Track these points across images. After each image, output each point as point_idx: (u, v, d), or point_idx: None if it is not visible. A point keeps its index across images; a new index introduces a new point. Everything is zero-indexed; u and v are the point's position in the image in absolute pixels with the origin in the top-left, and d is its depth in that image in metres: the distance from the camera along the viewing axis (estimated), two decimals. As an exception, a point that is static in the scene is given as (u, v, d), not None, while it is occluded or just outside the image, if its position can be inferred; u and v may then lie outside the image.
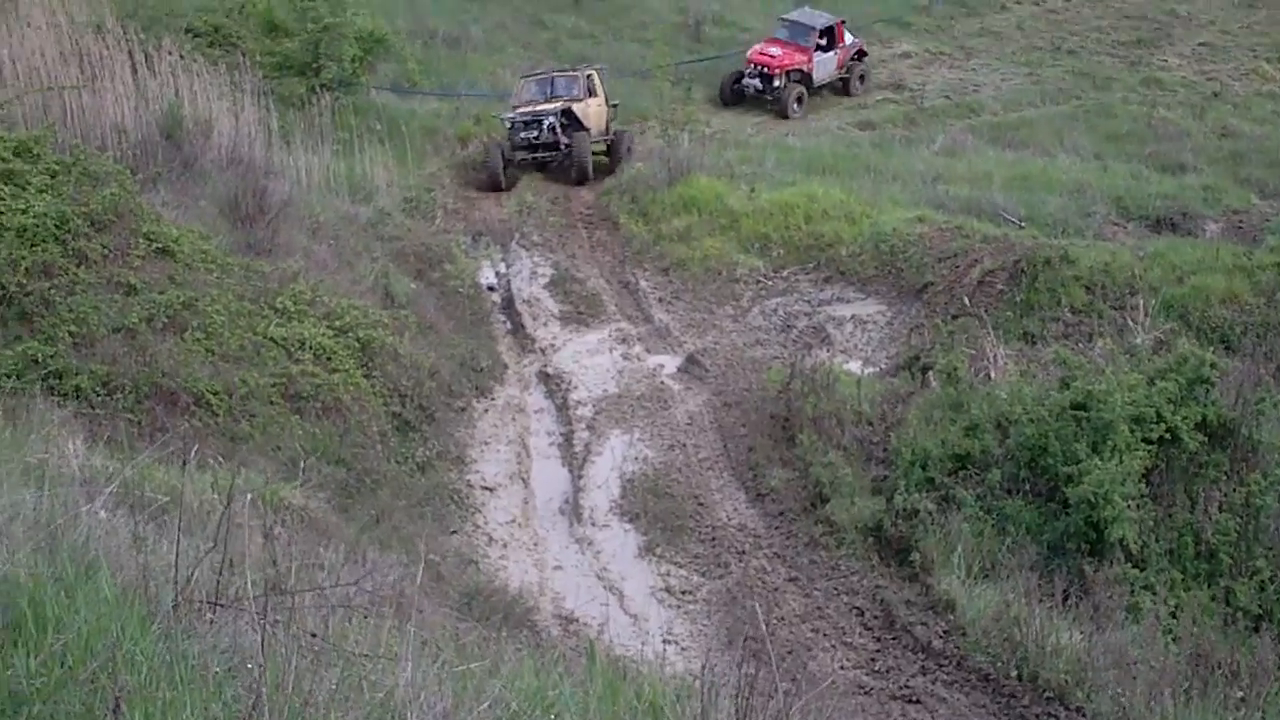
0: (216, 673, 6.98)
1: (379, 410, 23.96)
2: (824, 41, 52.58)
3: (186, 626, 7.55)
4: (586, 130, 41.92)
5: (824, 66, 52.67)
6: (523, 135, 41.48)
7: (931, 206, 35.33)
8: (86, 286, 21.51)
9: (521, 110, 42.16)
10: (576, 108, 42.37)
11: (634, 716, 8.82)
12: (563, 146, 41.17)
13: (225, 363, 22.00)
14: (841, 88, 53.94)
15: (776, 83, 51.09)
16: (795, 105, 51.34)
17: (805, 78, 51.89)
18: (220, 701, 6.61)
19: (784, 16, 54.25)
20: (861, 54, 54.64)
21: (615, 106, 44.71)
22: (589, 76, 44.20)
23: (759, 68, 51.31)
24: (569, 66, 46.75)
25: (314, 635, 7.28)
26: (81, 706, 6.23)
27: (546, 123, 41.22)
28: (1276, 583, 21.20)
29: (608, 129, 44.07)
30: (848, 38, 53.60)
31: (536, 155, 41.67)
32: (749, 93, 51.66)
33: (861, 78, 54.28)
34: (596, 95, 43.93)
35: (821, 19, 52.91)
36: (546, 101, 42.48)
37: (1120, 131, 47.57)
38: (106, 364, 20.34)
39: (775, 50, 51.60)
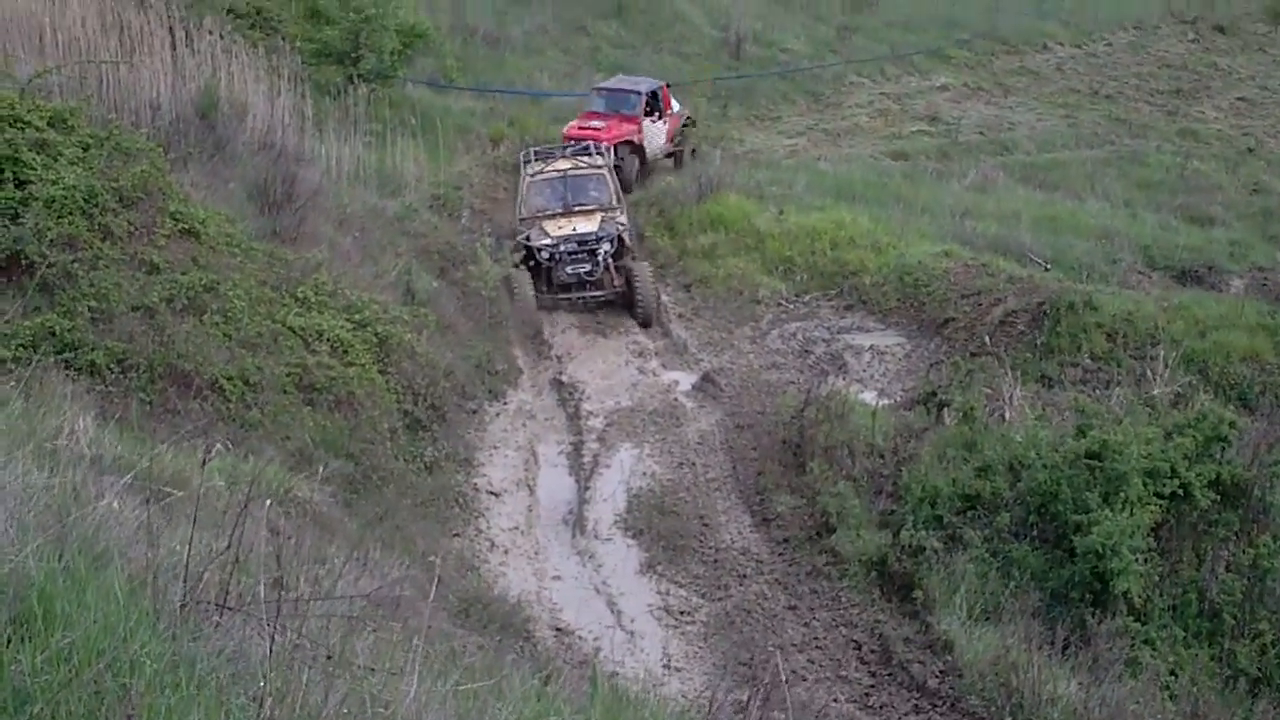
0: (222, 679, 6.95)
1: (391, 407, 23.96)
2: (650, 109, 43.20)
3: (193, 629, 7.52)
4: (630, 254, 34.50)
5: (654, 137, 43.10)
6: (570, 270, 33.55)
7: (958, 242, 35.33)
8: (110, 262, 21.51)
9: (558, 234, 34.06)
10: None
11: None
12: (616, 284, 33.66)
13: (242, 348, 22.00)
14: (672, 164, 44.37)
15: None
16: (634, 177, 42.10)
17: (637, 150, 42.10)
18: (225, 710, 6.57)
19: (599, 85, 45.88)
20: (691, 122, 46.19)
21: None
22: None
23: (582, 145, 39.29)
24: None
25: (329, 657, 7.24)
26: (85, 708, 6.20)
27: (602, 252, 33.58)
28: (1278, 647, 21.13)
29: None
30: (674, 104, 45.05)
31: (588, 295, 33.68)
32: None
33: (693, 151, 44.83)
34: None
35: (645, 83, 44.44)
36: (576, 211, 35.00)
37: (1152, 180, 47.53)
38: (123, 341, 20.34)
39: (597, 124, 41.64)
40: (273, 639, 6.97)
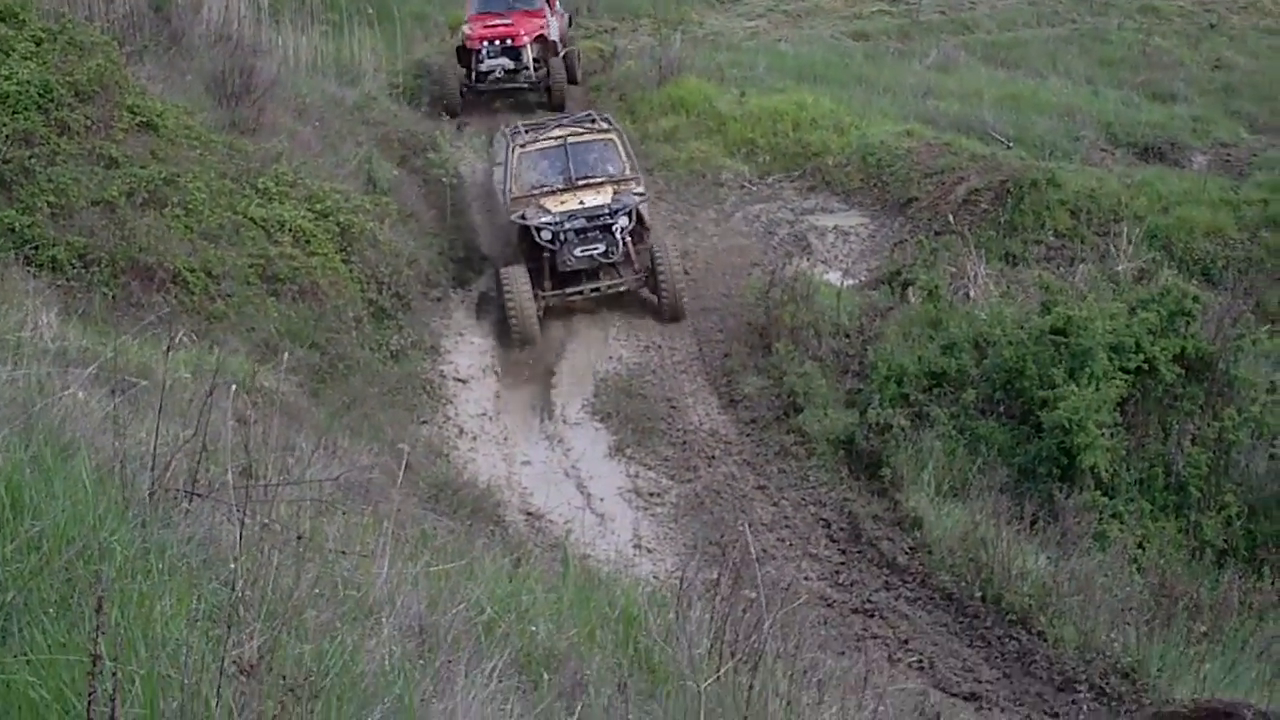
0: (193, 564, 6.94)
1: (355, 296, 23.87)
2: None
3: (163, 516, 7.50)
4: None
5: (554, 33, 38.25)
6: (579, 253, 26.96)
7: (921, 121, 35.19)
8: (67, 157, 21.37)
9: (561, 209, 27.41)
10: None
11: (606, 624, 8.80)
12: (637, 269, 27.52)
13: (204, 241, 21.90)
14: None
15: (530, 54, 36.79)
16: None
17: (551, 47, 37.61)
18: (197, 594, 6.56)
19: None
20: (571, 22, 41.92)
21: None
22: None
23: (498, 43, 36.49)
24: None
25: (300, 538, 7.22)
26: (57, 594, 6.18)
27: (619, 228, 27.10)
28: (1244, 518, 21.25)
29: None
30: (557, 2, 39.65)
31: (603, 285, 27.45)
32: (495, 76, 37.00)
33: (579, 56, 39.81)
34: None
35: None
36: (582, 185, 28.12)
37: (1114, 57, 47.26)
38: (84, 236, 20.24)
39: (500, 21, 37.06)
40: (242, 524, 6.96)
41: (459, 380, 24.39)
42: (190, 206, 22.17)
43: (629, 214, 27.15)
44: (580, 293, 27.22)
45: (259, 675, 5.41)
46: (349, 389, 21.59)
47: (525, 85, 37.40)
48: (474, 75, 36.96)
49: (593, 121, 30.18)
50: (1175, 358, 21.69)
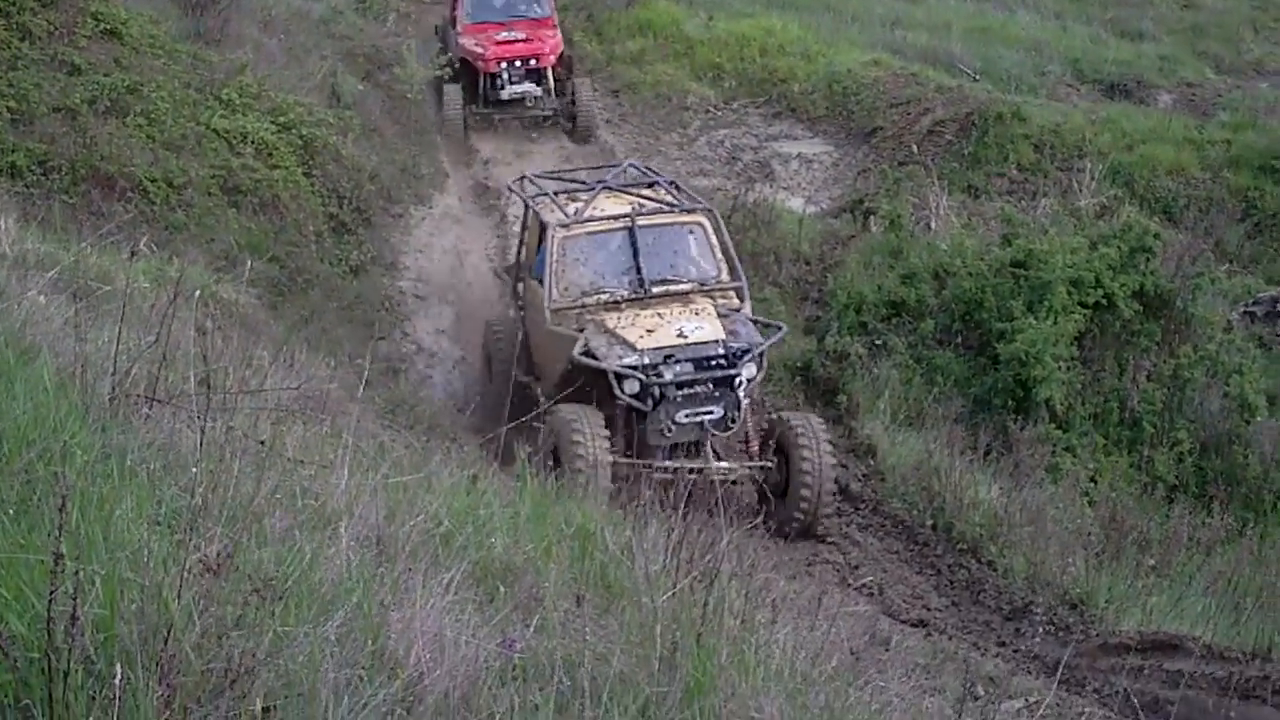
0: (153, 469, 6.95)
1: (316, 210, 23.79)
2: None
3: (123, 421, 7.52)
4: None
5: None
6: (686, 416, 17.61)
7: (888, 51, 35.12)
8: (29, 63, 21.26)
9: (651, 344, 18.06)
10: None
11: (563, 540, 8.85)
12: (752, 452, 18.72)
13: (166, 151, 21.80)
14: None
15: (551, 77, 31.56)
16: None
17: (569, 64, 32.67)
18: (157, 499, 6.58)
19: None
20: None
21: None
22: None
23: (519, 64, 31.19)
24: None
25: (261, 442, 7.24)
26: (17, 495, 6.19)
27: (743, 379, 17.81)
28: (1195, 455, 21.45)
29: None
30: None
31: (703, 467, 17.34)
32: (526, 102, 31.35)
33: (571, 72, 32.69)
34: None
35: None
36: (661, 295, 18.93)
37: (1083, -8, 47.30)
38: (45, 143, 20.16)
39: (514, 34, 31.59)
40: (203, 430, 6.96)
41: (418, 297, 24.35)
42: (153, 116, 22.05)
43: (758, 360, 18.09)
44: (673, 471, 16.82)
45: (224, 575, 5.45)
46: (308, 303, 21.56)
47: (548, 113, 31.37)
48: (485, 99, 31.18)
49: (650, 184, 20.99)
50: (1134, 294, 21.85)
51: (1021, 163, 29.79)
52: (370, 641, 5.95)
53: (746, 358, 17.82)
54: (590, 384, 17.83)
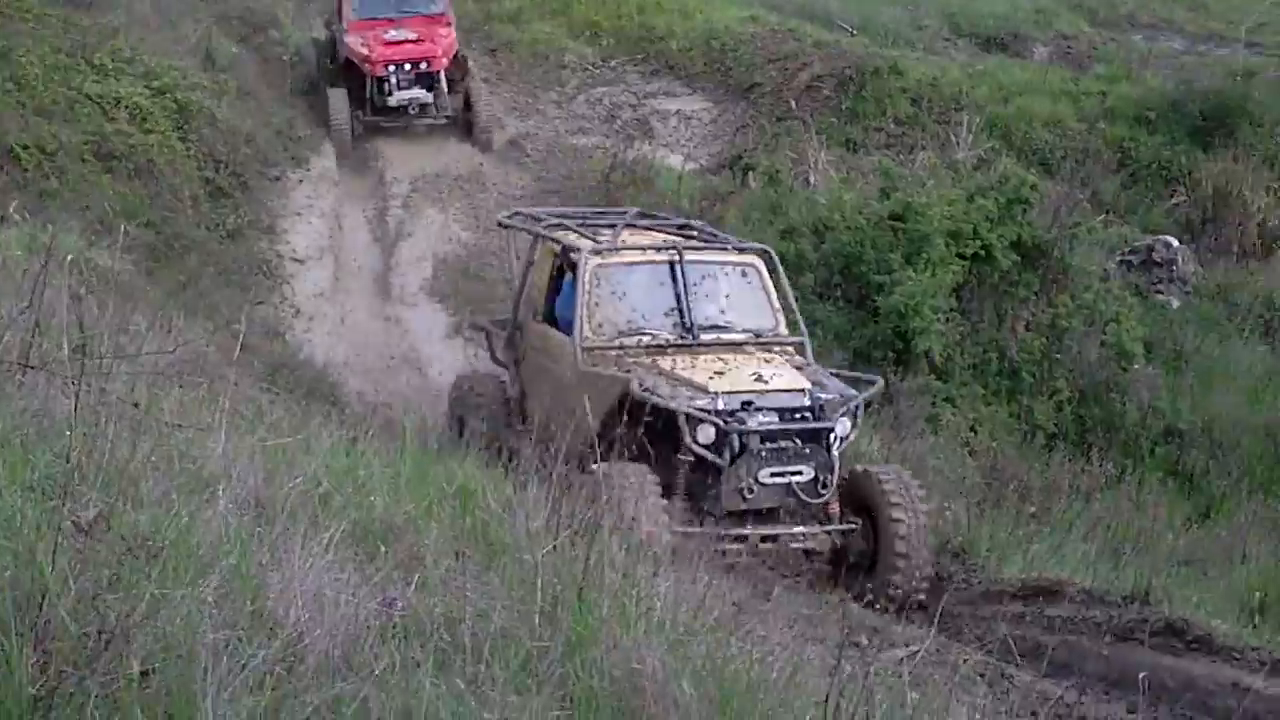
0: (27, 435, 6.89)
1: (192, 174, 23.67)
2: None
3: (-5, 387, 7.46)
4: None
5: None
6: (771, 475, 14.77)
7: (765, 7, 35.16)
8: (-107, 28, 21.00)
9: (726, 388, 15.08)
10: None
11: (444, 499, 8.84)
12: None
13: (37, 117, 21.65)
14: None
15: (444, 81, 28.91)
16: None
17: (464, 65, 30.04)
18: (32, 465, 6.52)
19: None
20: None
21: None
22: None
23: (409, 67, 28.49)
24: None
25: (135, 405, 7.18)
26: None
27: (838, 434, 15.22)
28: (1074, 403, 21.68)
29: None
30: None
31: (788, 534, 15.21)
32: (409, 110, 28.56)
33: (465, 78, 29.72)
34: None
35: None
36: (710, 342, 16.20)
37: (958, -53, 47.51)
38: (-90, 109, 19.93)
39: (404, 34, 28.80)
40: (77, 396, 6.89)
41: (296, 260, 24.20)
42: (22, 81, 21.89)
43: (853, 414, 15.54)
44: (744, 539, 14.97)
45: (97, 535, 5.41)
46: (185, 268, 21.42)
47: (441, 121, 28.91)
48: (372, 105, 28.29)
49: (681, 225, 18.33)
50: (1011, 245, 22.04)
51: (899, 117, 29.92)
52: (249, 602, 5.93)
53: (841, 411, 15.14)
54: (639, 436, 13.95)
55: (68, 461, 6.25)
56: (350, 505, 7.99)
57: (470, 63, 30.39)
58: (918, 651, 10.95)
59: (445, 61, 28.98)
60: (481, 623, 6.35)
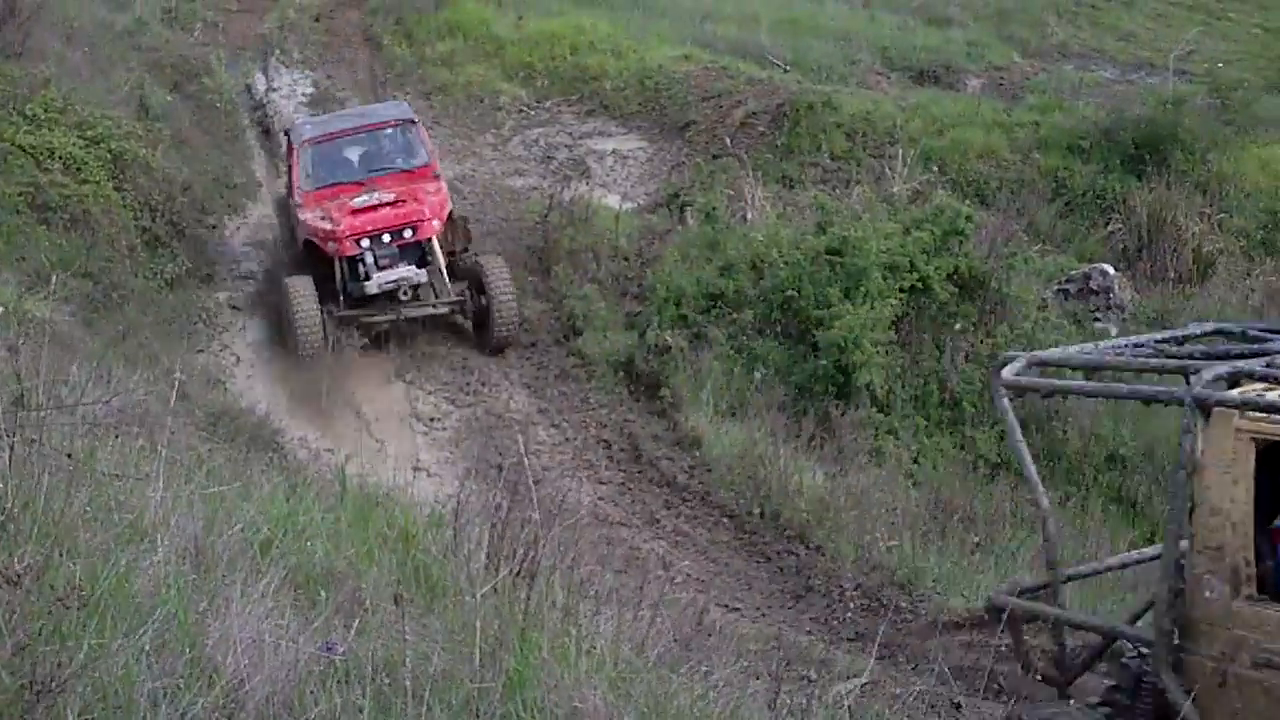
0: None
1: (129, 224, 23.58)
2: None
3: (-71, 442, 7.39)
4: None
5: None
6: None
7: (698, 45, 35.22)
8: None
9: None
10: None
11: (385, 543, 8.82)
12: None
13: (-31, 168, 21.54)
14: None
15: (440, 251, 23.29)
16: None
17: (460, 228, 24.56)
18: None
19: (351, 125, 25.22)
20: None
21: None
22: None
23: (388, 238, 22.74)
24: None
25: (69, 456, 7.15)
26: None
27: None
28: (1015, 433, 21.73)
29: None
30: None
31: None
32: (399, 297, 22.56)
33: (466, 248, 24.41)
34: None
35: (395, 108, 26.80)
36: None
37: (882, -17, 47.68)
38: None
39: (377, 195, 23.19)
40: (12, 448, 6.86)
41: (235, 308, 24.15)
42: (-49, 133, 21.79)
43: None
44: None
45: (24, 587, 5.38)
46: (124, 318, 21.34)
47: (442, 309, 23.20)
48: (346, 295, 22.77)
49: None
50: (949, 276, 22.11)
51: (834, 151, 29.98)
52: (188, 650, 5.91)
53: None
54: None
55: (2, 512, 6.21)
56: (290, 552, 7.96)
57: (470, 228, 24.76)
58: (866, 684, 10.97)
59: (437, 226, 23.11)
60: (422, 665, 6.34)
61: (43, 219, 21.98)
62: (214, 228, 26.25)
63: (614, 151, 31.31)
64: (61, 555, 6.32)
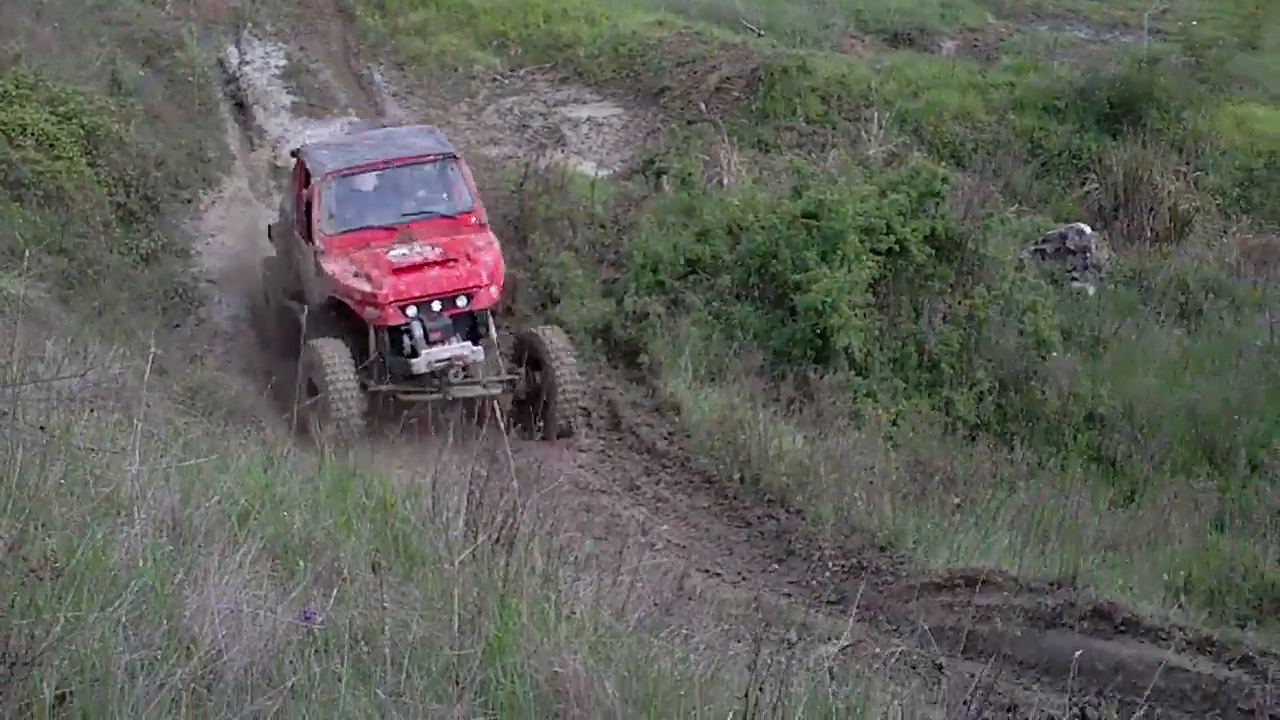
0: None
1: (103, 200, 23.49)
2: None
3: (-98, 416, 7.38)
4: None
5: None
6: None
7: (672, 11, 35.11)
8: None
9: None
10: None
11: (364, 513, 8.80)
12: None
13: (-60, 147, 21.47)
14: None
15: (485, 328, 20.20)
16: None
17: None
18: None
19: (380, 155, 21.56)
20: None
21: None
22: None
23: (439, 306, 19.67)
24: None
25: (41, 429, 7.13)
26: None
27: None
28: (995, 393, 21.77)
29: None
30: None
31: None
32: (450, 378, 19.27)
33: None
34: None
35: (428, 133, 23.37)
36: None
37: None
38: None
39: (419, 249, 20.16)
40: (-14, 421, 6.85)
41: (211, 282, 24.07)
42: (-77, 113, 21.72)
43: None
44: None
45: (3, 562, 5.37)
46: (99, 294, 21.28)
47: (496, 391, 19.76)
48: (386, 371, 19.68)
49: None
50: (926, 238, 22.12)
51: (809, 115, 29.96)
52: (165, 621, 5.89)
53: None
54: None
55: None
56: (268, 522, 7.95)
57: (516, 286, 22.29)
58: (847, 646, 10.99)
59: (495, 294, 20.30)
60: (401, 632, 6.34)
61: (16, 196, 21.91)
62: (189, 202, 26.15)
63: (589, 119, 31.24)
64: (37, 529, 6.30)
